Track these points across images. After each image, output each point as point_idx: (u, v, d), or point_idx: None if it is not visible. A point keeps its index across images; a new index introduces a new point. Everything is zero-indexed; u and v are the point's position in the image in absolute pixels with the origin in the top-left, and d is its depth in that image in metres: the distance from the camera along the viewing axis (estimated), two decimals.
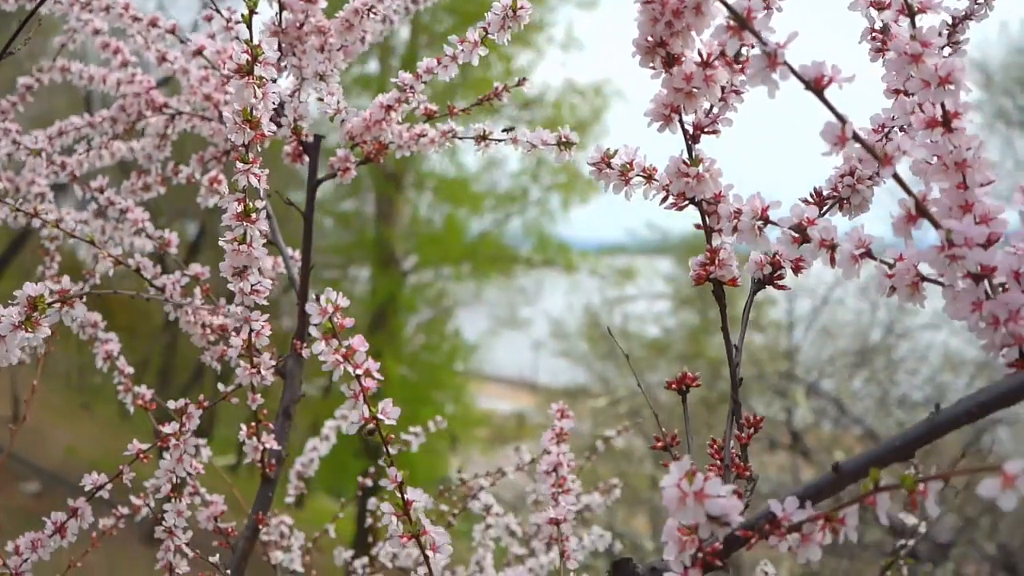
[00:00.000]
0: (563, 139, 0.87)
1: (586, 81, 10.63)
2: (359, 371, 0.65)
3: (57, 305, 0.69)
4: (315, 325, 0.63)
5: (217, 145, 1.22)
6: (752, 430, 0.67)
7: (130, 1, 1.17)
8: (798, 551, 0.54)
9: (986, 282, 0.56)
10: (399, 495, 0.68)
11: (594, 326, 10.15)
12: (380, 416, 0.66)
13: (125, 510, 1.16)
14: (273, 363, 0.95)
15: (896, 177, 0.54)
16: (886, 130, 0.72)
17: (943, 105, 0.56)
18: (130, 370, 1.14)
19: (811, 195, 0.72)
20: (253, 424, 1.00)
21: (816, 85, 0.53)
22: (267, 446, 1.01)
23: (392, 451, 0.83)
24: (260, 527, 1.03)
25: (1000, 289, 0.55)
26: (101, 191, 1.17)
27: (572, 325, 11.28)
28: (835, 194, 0.72)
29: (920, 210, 0.54)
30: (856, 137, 0.53)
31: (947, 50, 0.74)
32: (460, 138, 1.02)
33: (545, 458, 0.99)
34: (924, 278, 0.57)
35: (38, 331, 0.71)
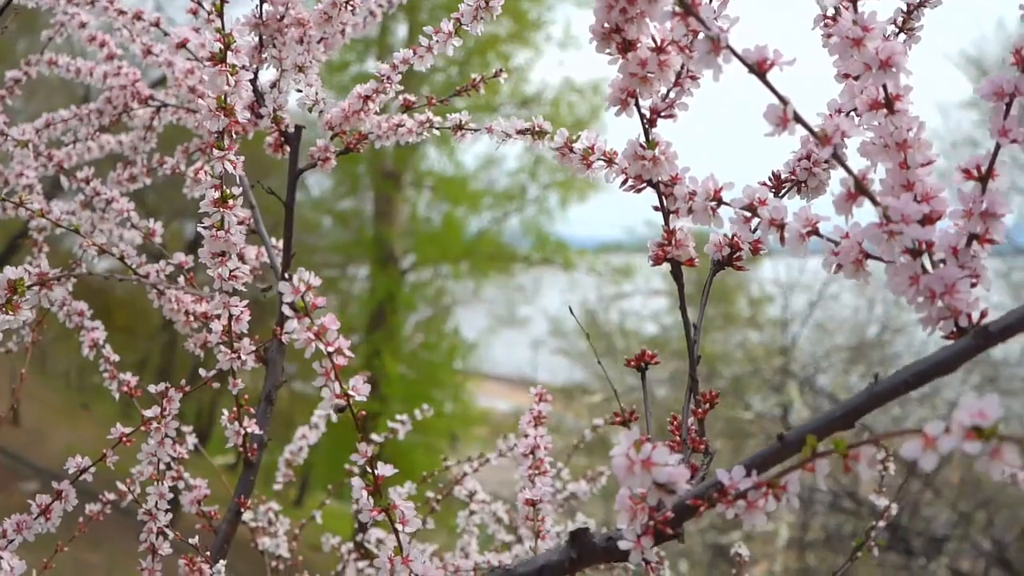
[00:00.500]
0: (535, 128, 0.89)
1: (584, 79, 10.64)
2: (331, 349, 0.67)
3: (36, 288, 0.71)
4: (287, 304, 0.65)
5: (202, 137, 1.24)
6: (708, 405, 0.69)
7: None
8: (744, 517, 0.56)
9: (926, 257, 0.58)
10: (370, 471, 0.70)
11: (592, 324, 10.17)
12: (351, 393, 0.68)
13: (111, 496, 1.18)
14: (253, 348, 0.97)
15: (836, 157, 0.56)
16: (841, 115, 0.74)
17: (885, 87, 0.58)
18: (115, 358, 1.16)
19: (769, 178, 0.74)
20: (235, 409, 1.02)
21: (759, 68, 0.55)
22: (248, 431, 1.03)
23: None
24: (242, 510, 1.05)
25: (941, 265, 0.57)
26: (87, 182, 1.19)
27: (570, 323, 11.31)
28: (792, 177, 0.74)
29: (860, 188, 0.56)
30: (797, 118, 0.55)
31: (901, 36, 0.76)
32: (437, 128, 1.04)
33: (523, 441, 1.02)
34: (868, 255, 0.59)
35: (18, 313, 0.73)
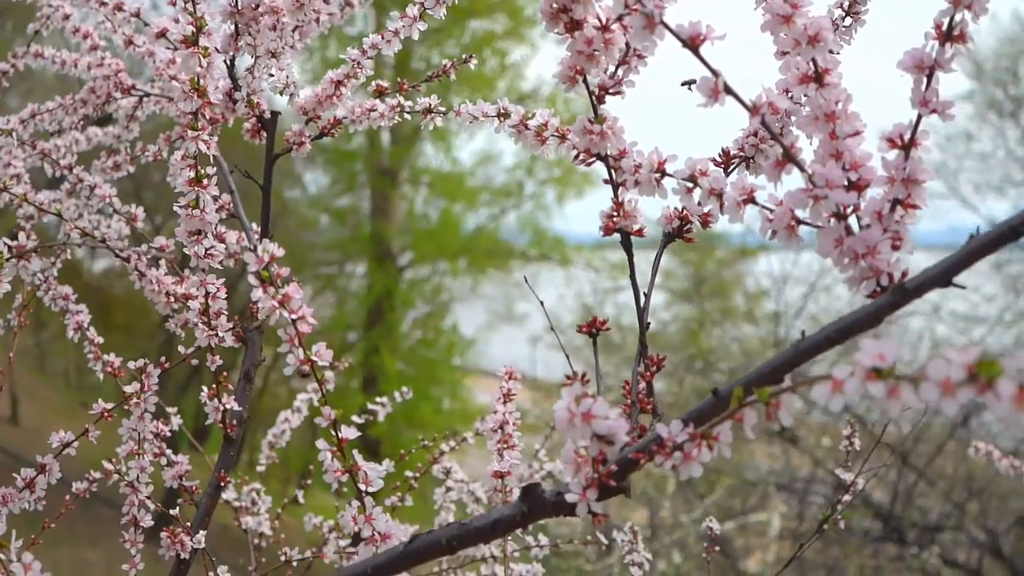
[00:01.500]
0: (502, 111, 0.92)
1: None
2: (295, 316, 0.70)
3: (14, 260, 0.74)
4: (252, 273, 0.69)
5: (184, 125, 1.26)
6: (656, 368, 0.72)
7: None
8: (681, 468, 0.59)
9: (855, 221, 0.61)
10: (333, 433, 0.73)
11: (588, 319, 10.18)
12: (314, 358, 0.71)
13: (97, 474, 1.21)
14: (230, 325, 1.00)
15: (765, 126, 0.59)
16: (790, 93, 0.77)
17: (814, 61, 0.61)
18: (100, 340, 1.19)
19: (719, 154, 0.78)
20: (214, 386, 1.05)
21: (692, 43, 0.58)
22: (228, 407, 1.06)
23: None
24: (222, 484, 1.09)
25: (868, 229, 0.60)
26: (70, 169, 1.22)
27: (567, 319, 11.33)
28: (741, 153, 0.77)
29: (788, 156, 0.59)
30: (728, 90, 0.58)
31: (848, 20, 0.79)
32: (408, 112, 1.07)
33: (491, 416, 1.05)
34: (800, 221, 0.62)
35: None
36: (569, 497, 0.62)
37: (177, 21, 1.19)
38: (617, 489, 0.64)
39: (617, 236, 0.77)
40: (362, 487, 0.73)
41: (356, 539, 0.70)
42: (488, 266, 11.95)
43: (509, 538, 1.25)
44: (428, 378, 11.06)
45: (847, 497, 1.15)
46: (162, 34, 1.13)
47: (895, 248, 0.59)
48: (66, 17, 1.29)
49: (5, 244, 0.74)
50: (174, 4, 1.15)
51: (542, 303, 0.99)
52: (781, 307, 7.14)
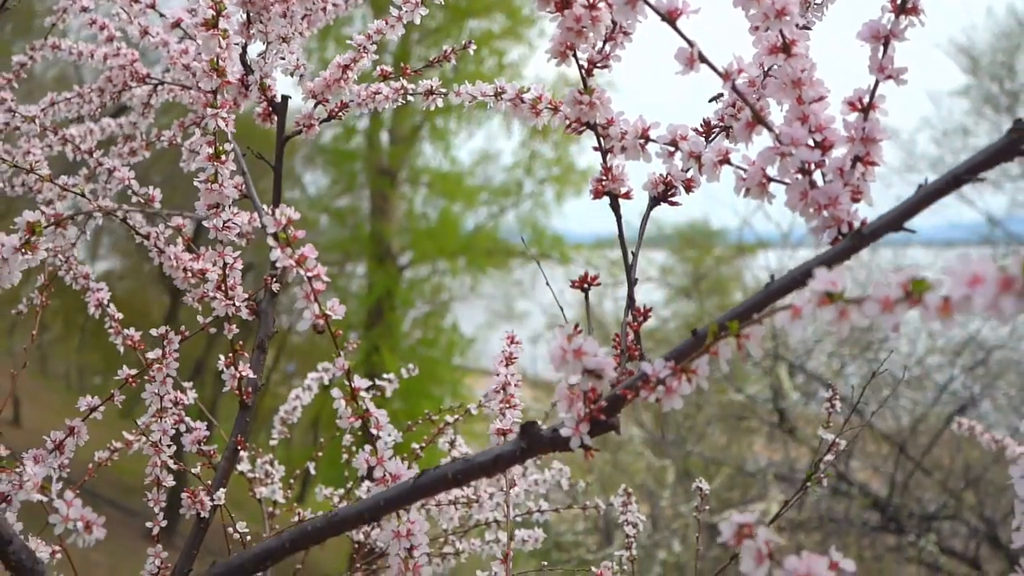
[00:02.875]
0: (499, 90, 0.99)
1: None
2: (310, 274, 0.76)
3: (52, 227, 0.80)
4: (271, 235, 0.75)
5: (197, 112, 1.33)
6: (643, 318, 0.78)
7: None
8: (664, 400, 0.65)
9: (820, 178, 0.67)
10: (347, 383, 0.79)
11: (587, 315, 10.23)
12: (329, 312, 0.77)
13: (118, 444, 1.27)
14: (246, 296, 1.06)
15: (736, 90, 0.65)
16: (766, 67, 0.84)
17: (782, 33, 0.68)
18: (120, 315, 1.25)
19: (701, 124, 0.84)
20: (231, 355, 1.12)
21: (670, 16, 0.65)
22: (244, 375, 1.13)
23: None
24: (239, 449, 1.15)
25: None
26: (90, 153, 1.28)
27: (568, 314, 11.36)
28: (721, 123, 0.83)
29: (757, 118, 0.66)
30: (702, 59, 0.65)
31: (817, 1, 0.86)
32: (411, 94, 1.13)
33: (495, 379, 1.11)
34: (770, 179, 0.69)
35: (36, 253, 0.82)
36: (563, 431, 0.68)
37: (192, 12, 1.25)
38: (607, 425, 0.70)
39: (613, 230, 0.83)
40: (374, 431, 0.79)
41: (369, 475, 0.76)
42: (487, 265, 12.01)
43: (512, 505, 1.31)
44: (429, 377, 11.12)
45: (829, 456, 1.21)
46: (176, 24, 1.20)
47: (855, 200, 0.65)
48: (84, 9, 1.36)
49: (42, 212, 0.80)
50: None
51: (555, 297, 1.05)
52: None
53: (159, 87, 1.36)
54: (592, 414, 0.68)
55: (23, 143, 1.45)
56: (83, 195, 1.12)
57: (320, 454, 1.60)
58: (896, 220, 0.61)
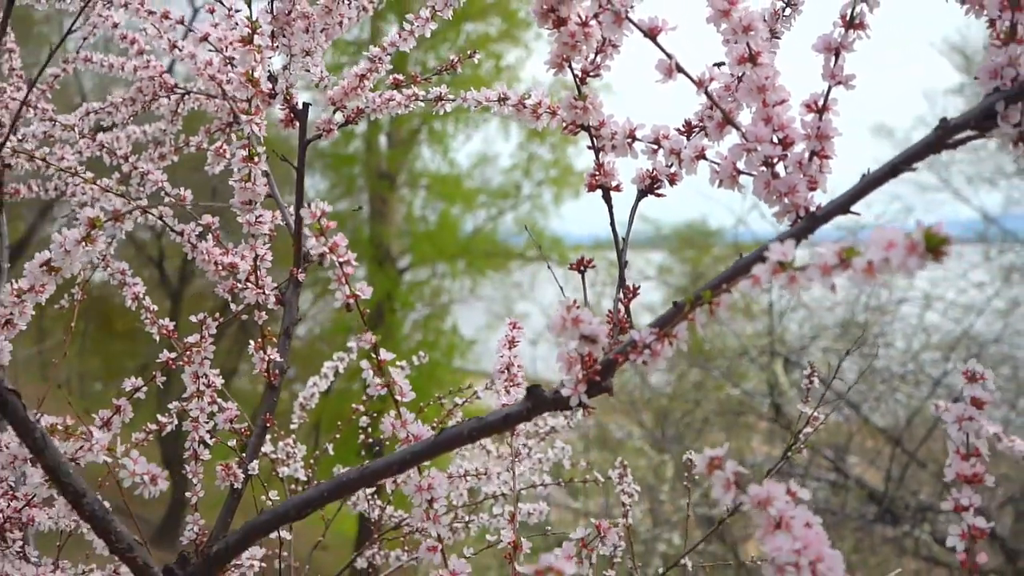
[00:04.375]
0: (501, 96, 1.10)
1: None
2: (342, 259, 0.87)
3: (111, 222, 0.91)
4: (307, 225, 0.86)
5: (221, 118, 1.44)
6: (632, 295, 0.89)
7: None
8: (650, 363, 0.76)
9: (781, 169, 0.78)
10: (374, 355, 0.90)
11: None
12: (358, 292, 0.88)
13: (153, 426, 1.38)
14: (275, 285, 1.17)
15: (708, 95, 0.76)
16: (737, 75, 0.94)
17: (748, 46, 0.79)
18: (155, 308, 1.36)
19: (682, 125, 0.95)
20: (260, 340, 1.22)
21: (651, 33, 0.76)
22: (272, 358, 1.23)
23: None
24: (268, 426, 1.26)
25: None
26: (126, 158, 1.39)
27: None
28: (700, 124, 0.94)
29: (726, 119, 0.77)
30: (679, 69, 0.76)
31: (788, 10, 0.97)
32: (422, 100, 1.25)
33: (499, 360, 1.22)
34: (739, 171, 0.80)
35: (95, 246, 0.93)
36: (564, 391, 0.79)
37: (216, 26, 1.36)
38: (602, 387, 0.81)
39: (609, 223, 0.94)
40: (398, 398, 0.90)
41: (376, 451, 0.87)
42: (487, 267, 12.11)
43: (518, 477, 1.42)
44: (430, 380, 11.22)
45: (808, 429, 1.32)
46: (204, 38, 1.31)
47: (812, 189, 0.76)
48: (115, 25, 1.47)
49: (102, 209, 0.91)
50: (212, 12, 1.33)
51: (561, 287, 1.15)
52: (773, 296, 7.32)
53: (186, 96, 1.47)
54: (589, 376, 0.79)
55: (56, 150, 1.56)
56: (124, 195, 1.23)
57: (338, 436, 1.71)
58: (844, 205, 0.72)
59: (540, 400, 0.82)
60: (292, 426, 1.69)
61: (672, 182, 0.93)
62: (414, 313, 12.09)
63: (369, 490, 1.68)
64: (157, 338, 1.34)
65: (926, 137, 0.70)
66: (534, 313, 12.45)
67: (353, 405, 1.66)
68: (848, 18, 0.77)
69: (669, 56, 0.75)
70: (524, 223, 11.56)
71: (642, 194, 0.94)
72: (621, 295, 0.88)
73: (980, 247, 8.97)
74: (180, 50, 1.44)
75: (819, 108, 0.77)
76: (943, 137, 0.69)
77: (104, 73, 1.55)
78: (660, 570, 1.69)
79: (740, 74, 0.80)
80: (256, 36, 0.96)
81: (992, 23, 0.71)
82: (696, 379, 7.76)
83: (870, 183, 0.71)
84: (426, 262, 12.05)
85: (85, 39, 1.60)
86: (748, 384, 7.34)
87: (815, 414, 1.32)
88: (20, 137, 1.48)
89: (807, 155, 0.77)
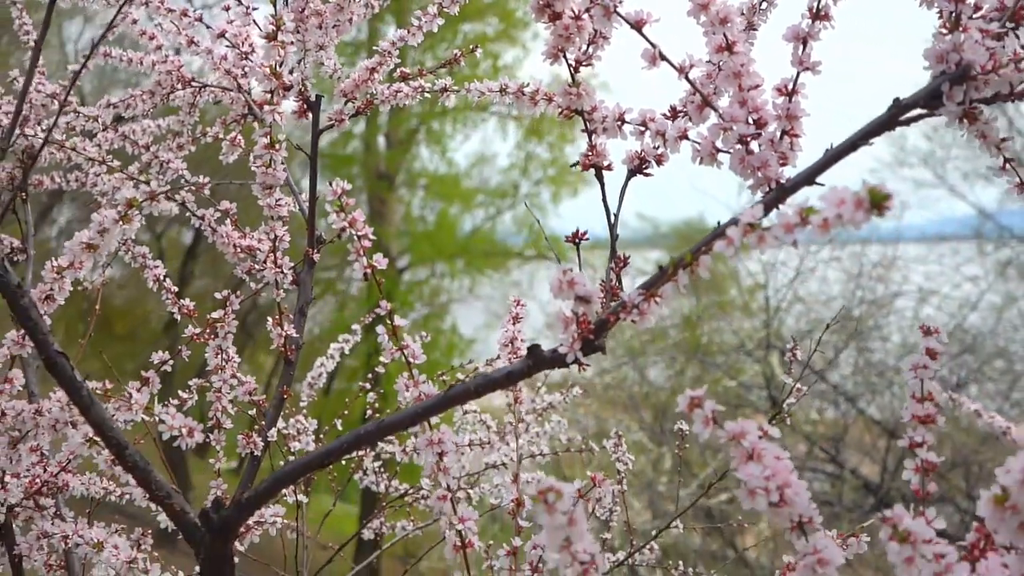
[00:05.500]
0: (503, 87, 1.18)
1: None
2: (360, 233, 0.96)
3: (148, 202, 1.00)
4: (329, 201, 0.94)
5: (236, 110, 1.52)
6: (623, 264, 0.98)
7: None
8: (639, 321, 0.84)
9: (755, 147, 0.87)
10: (389, 322, 0.99)
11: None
12: (375, 263, 0.97)
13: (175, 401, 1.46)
14: (292, 265, 1.26)
15: (688, 81, 0.85)
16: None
17: (726, 36, 0.87)
18: (175, 289, 1.45)
19: (669, 109, 1.03)
20: (277, 316, 1.31)
21: (637, 25, 0.84)
22: (288, 334, 1.32)
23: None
24: (284, 398, 1.34)
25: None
26: (147, 148, 1.47)
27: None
28: (683, 109, 1.03)
29: (705, 102, 0.85)
30: (663, 57, 0.84)
31: (764, 4, 1.05)
32: (427, 92, 1.33)
33: (503, 334, 1.31)
34: (718, 149, 0.88)
35: (132, 224, 1.01)
36: (561, 349, 0.88)
37: (231, 23, 1.45)
38: (595, 346, 0.89)
39: (601, 199, 1.02)
40: (411, 360, 0.99)
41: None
42: (485, 266, 12.19)
43: (520, 448, 1.50)
44: (429, 379, 11.24)
45: (791, 400, 1.40)
46: (222, 34, 1.39)
47: (782, 164, 0.85)
48: (134, 22, 1.55)
49: (138, 189, 0.99)
50: (228, 9, 1.41)
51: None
52: (770, 291, 7.42)
53: (202, 90, 1.55)
54: (583, 335, 0.87)
55: (77, 141, 1.64)
56: (147, 183, 1.31)
57: (347, 412, 1.80)
58: (808, 177, 0.80)
59: (540, 358, 0.90)
60: (302, 403, 1.78)
61: (659, 162, 1.01)
62: (413, 313, 12.17)
63: (376, 463, 1.77)
64: (178, 317, 1.42)
65: (880, 115, 0.79)
66: (533, 311, 12.52)
67: (359, 383, 1.74)
68: (815, 10, 0.85)
69: (653, 45, 0.84)
70: (522, 227, 11.64)
71: (631, 173, 1.02)
72: (612, 264, 0.96)
73: (975, 242, 9.07)
74: (198, 45, 1.53)
75: (789, 92, 0.86)
76: (896, 115, 0.78)
77: (125, 68, 1.63)
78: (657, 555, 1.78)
79: (719, 62, 0.88)
80: (279, 32, 1.05)
81: (941, 13, 0.79)
82: (695, 373, 7.86)
83: (832, 157, 0.80)
84: (425, 262, 12.13)
85: (104, 36, 1.68)
86: (745, 377, 7.44)
87: (798, 386, 1.41)
88: (45, 128, 1.56)
89: (778, 134, 0.86)
